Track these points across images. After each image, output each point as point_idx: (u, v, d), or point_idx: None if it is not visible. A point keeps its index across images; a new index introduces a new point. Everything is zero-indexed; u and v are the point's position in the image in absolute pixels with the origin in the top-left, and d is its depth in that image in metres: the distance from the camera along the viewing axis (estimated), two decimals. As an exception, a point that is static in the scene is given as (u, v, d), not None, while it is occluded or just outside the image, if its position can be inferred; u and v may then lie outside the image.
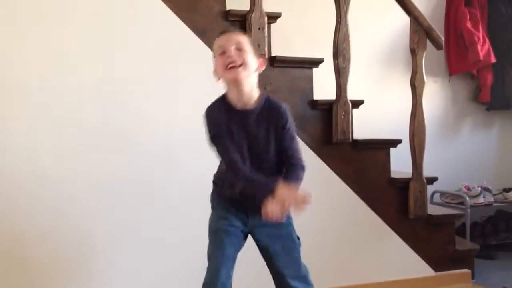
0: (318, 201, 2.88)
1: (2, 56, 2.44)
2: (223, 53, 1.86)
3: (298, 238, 2.06)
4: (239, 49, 1.86)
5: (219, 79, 1.91)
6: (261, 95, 1.95)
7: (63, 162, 2.52)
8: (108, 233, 2.58)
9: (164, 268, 2.64)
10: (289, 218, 2.02)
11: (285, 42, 3.03)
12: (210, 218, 2.04)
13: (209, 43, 2.70)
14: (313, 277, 2.03)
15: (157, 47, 2.67)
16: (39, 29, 2.50)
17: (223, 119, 1.89)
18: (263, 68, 1.96)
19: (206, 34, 2.72)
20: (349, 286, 2.95)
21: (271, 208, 1.77)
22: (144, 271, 2.63)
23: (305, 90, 2.93)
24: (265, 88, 2.81)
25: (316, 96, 2.95)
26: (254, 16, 2.78)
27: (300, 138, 2.83)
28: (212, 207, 2.06)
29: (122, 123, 2.61)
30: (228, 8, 2.80)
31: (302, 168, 1.95)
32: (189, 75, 2.69)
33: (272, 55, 2.86)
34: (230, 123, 1.90)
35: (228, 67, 1.84)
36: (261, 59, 1.95)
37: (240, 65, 1.84)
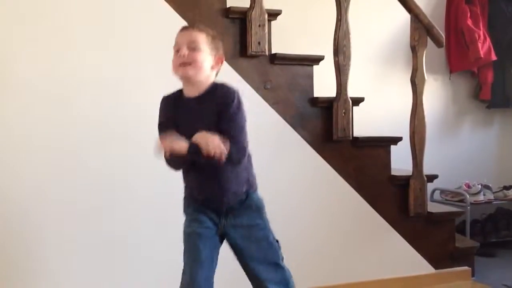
0: (318, 198, 2.93)
1: (1, 55, 2.44)
2: (177, 51, 1.89)
3: (277, 241, 2.01)
4: (192, 48, 1.87)
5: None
6: (212, 85, 1.92)
7: (62, 160, 2.52)
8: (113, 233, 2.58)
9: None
10: (264, 220, 1.99)
11: (286, 40, 3.02)
12: (184, 223, 2.00)
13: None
14: (313, 274, 2.01)
15: (157, 44, 2.67)
16: (38, 27, 2.50)
17: (171, 108, 1.93)
18: (219, 66, 1.96)
19: (206, 32, 2.72)
20: (349, 283, 2.95)
21: (202, 138, 1.74)
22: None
23: (305, 87, 2.93)
24: (265, 86, 2.81)
25: (316, 94, 2.95)
26: (254, 13, 2.77)
27: (300, 135, 2.86)
28: (184, 211, 2.02)
29: (122, 123, 2.60)
30: (228, 5, 2.80)
31: (238, 149, 1.85)
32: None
33: (273, 52, 2.86)
34: (179, 111, 1.91)
35: (178, 65, 1.87)
36: (218, 57, 1.94)
37: (190, 64, 1.86)
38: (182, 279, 1.92)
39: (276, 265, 1.98)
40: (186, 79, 1.90)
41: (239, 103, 1.88)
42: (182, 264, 1.93)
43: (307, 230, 2.89)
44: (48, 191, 2.49)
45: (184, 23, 2.67)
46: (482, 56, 4.07)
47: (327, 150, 2.95)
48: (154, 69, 2.63)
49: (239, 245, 1.96)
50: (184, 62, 1.86)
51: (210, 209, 1.95)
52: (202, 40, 1.90)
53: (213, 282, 1.93)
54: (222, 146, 1.73)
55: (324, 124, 2.94)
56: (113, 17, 2.62)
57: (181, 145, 1.76)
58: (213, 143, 1.73)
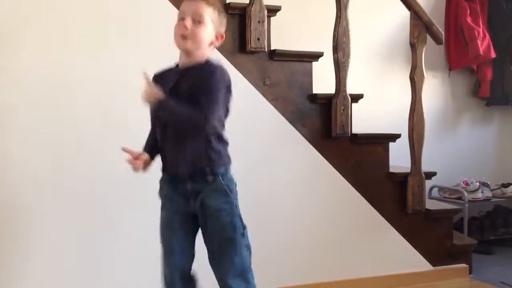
0: (316, 195, 2.93)
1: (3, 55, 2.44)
2: (181, 19, 1.86)
3: (244, 227, 1.91)
4: (196, 21, 1.85)
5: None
6: (205, 61, 1.90)
7: (61, 161, 2.52)
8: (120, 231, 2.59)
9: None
10: (231, 205, 1.89)
11: (285, 36, 3.02)
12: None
13: (209, 36, 2.70)
14: (310, 271, 1.99)
15: (156, 40, 2.66)
16: (38, 26, 2.49)
17: (159, 80, 1.90)
18: (218, 44, 1.95)
19: (205, 27, 2.71)
20: (346, 280, 2.96)
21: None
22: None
23: (304, 84, 2.93)
24: (264, 82, 2.81)
25: (316, 90, 2.95)
26: (254, 9, 2.77)
27: (299, 132, 2.86)
28: (158, 194, 1.99)
29: (123, 121, 2.59)
30: (228, 1, 2.79)
31: (200, 115, 1.78)
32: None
33: (272, 48, 2.85)
34: (166, 82, 1.89)
35: (179, 35, 1.85)
36: (220, 35, 1.93)
37: (190, 38, 1.84)
38: (162, 264, 1.94)
39: (237, 255, 1.88)
40: (184, 51, 1.89)
41: (222, 77, 1.84)
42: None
43: (305, 226, 2.90)
44: (50, 188, 2.49)
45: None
46: (481, 53, 4.06)
47: (326, 146, 2.95)
48: (155, 65, 2.62)
49: (204, 228, 1.91)
50: (185, 35, 1.84)
51: (177, 192, 1.90)
52: (208, 13, 1.87)
53: (188, 267, 1.94)
54: (155, 93, 1.75)
55: (323, 121, 2.94)
56: (113, 14, 2.61)
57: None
58: (148, 91, 1.76)
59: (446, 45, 4.15)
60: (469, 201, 3.82)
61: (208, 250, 1.91)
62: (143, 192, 2.60)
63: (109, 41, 2.60)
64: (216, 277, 1.90)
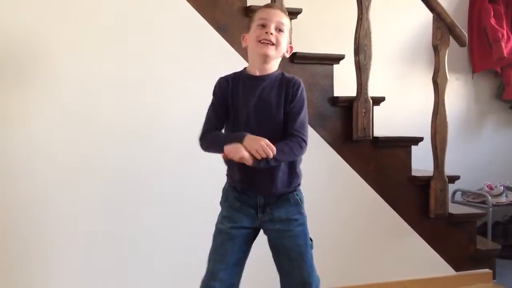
0: (337, 199, 2.91)
1: (24, 55, 2.47)
2: (263, 26, 1.88)
3: (311, 239, 1.98)
4: (279, 29, 1.89)
5: (245, 46, 1.96)
6: (278, 70, 1.96)
7: (83, 158, 2.54)
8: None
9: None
10: (302, 216, 1.96)
11: (306, 38, 3.01)
12: (218, 216, 1.98)
13: (230, 40, 2.71)
14: (333, 275, 1.99)
15: (178, 44, 2.68)
16: (57, 26, 2.51)
17: (227, 87, 1.92)
18: (289, 54, 2.00)
19: (227, 31, 2.72)
20: (369, 284, 2.94)
21: (231, 149, 1.75)
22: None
23: (325, 86, 2.91)
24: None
25: (337, 93, 2.94)
26: (274, 12, 2.76)
27: (319, 135, 2.86)
28: (220, 204, 1.99)
29: (142, 122, 2.61)
30: (248, 4, 2.79)
31: (299, 142, 1.85)
32: (210, 72, 2.67)
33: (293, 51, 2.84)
34: (239, 88, 1.91)
35: (262, 41, 1.87)
36: (291, 45, 1.98)
37: (273, 44, 1.87)
38: (206, 272, 1.91)
39: (307, 264, 1.92)
40: (265, 57, 1.89)
41: (304, 95, 1.92)
42: (207, 260, 1.92)
43: (326, 230, 2.88)
44: (69, 191, 2.52)
45: (204, 21, 2.68)
46: (505, 55, 4.02)
47: (347, 150, 2.93)
48: (175, 68, 2.64)
49: (273, 240, 1.93)
50: (269, 40, 1.87)
51: (246, 205, 1.92)
52: (287, 24, 1.93)
53: (234, 283, 1.91)
54: (268, 148, 1.74)
55: (344, 124, 2.93)
56: (137, 17, 2.62)
57: (245, 156, 1.75)
58: (261, 149, 1.74)
59: (469, 47, 4.11)
60: (493, 205, 3.77)
61: (278, 262, 1.94)
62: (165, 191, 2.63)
63: (132, 42, 2.62)
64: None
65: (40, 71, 2.48)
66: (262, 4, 2.72)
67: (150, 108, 2.62)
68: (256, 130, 1.82)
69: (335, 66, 2.96)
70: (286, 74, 1.95)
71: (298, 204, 1.95)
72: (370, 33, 2.92)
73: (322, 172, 2.90)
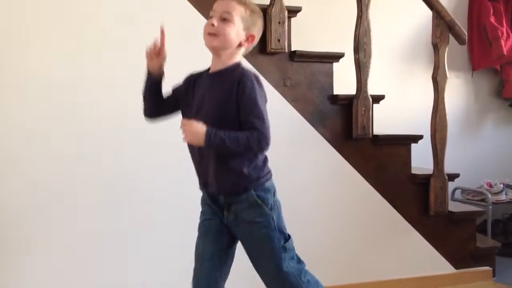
0: (337, 197, 2.91)
1: (21, 55, 2.46)
2: (210, 17, 1.83)
3: (289, 236, 1.87)
4: (224, 19, 1.80)
5: None
6: (234, 64, 1.85)
7: (81, 161, 2.53)
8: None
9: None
10: (267, 217, 1.81)
11: (305, 37, 3.02)
12: None
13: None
14: (333, 273, 1.97)
15: (177, 43, 2.66)
16: (53, 27, 2.50)
17: (188, 83, 1.91)
18: (248, 45, 1.87)
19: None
20: (369, 282, 2.94)
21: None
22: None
23: (325, 85, 2.91)
24: (284, 83, 2.80)
25: (336, 91, 2.94)
26: (274, 10, 2.76)
27: (319, 133, 2.85)
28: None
29: (142, 121, 2.59)
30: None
31: (258, 135, 1.73)
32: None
33: (292, 49, 2.84)
34: (195, 85, 1.88)
35: (207, 33, 1.81)
36: (249, 35, 1.85)
37: (216, 35, 1.80)
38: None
39: (278, 270, 1.82)
40: (210, 49, 1.84)
41: (258, 85, 1.79)
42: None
43: (326, 228, 2.88)
44: (62, 189, 2.51)
45: (203, 19, 2.67)
46: (505, 53, 4.02)
47: (347, 148, 2.93)
48: (175, 67, 2.63)
49: (242, 242, 1.87)
50: (211, 33, 1.80)
51: (213, 201, 1.87)
52: (238, 12, 1.81)
53: (219, 278, 1.87)
54: (199, 129, 1.70)
55: (344, 122, 2.93)
56: (131, 15, 2.62)
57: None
58: (190, 130, 1.71)
59: (469, 45, 4.10)
60: (493, 203, 3.77)
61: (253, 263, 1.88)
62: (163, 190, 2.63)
63: (126, 40, 2.59)
64: None
65: (39, 71, 2.47)
66: (261, 1, 2.75)
67: (139, 108, 2.60)
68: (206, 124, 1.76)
69: (335, 64, 2.96)
70: (240, 68, 1.84)
71: (258, 205, 1.80)
72: (369, 31, 2.92)
73: (321, 170, 2.90)
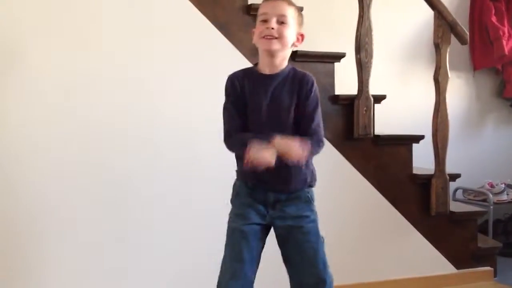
0: (338, 197, 2.91)
1: (20, 55, 2.46)
2: (264, 21, 1.85)
3: (323, 237, 1.94)
4: (281, 22, 1.84)
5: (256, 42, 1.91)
6: (288, 66, 1.93)
7: (82, 158, 2.53)
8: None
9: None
10: (313, 213, 1.93)
11: (307, 36, 2.99)
12: (229, 214, 1.94)
13: (231, 37, 2.70)
14: (334, 273, 1.97)
15: (178, 42, 2.67)
16: (59, 28, 2.50)
17: (239, 86, 1.89)
18: (298, 45, 1.94)
19: (227, 28, 2.71)
20: (369, 282, 2.94)
21: (255, 152, 1.69)
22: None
23: (326, 85, 2.91)
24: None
25: (338, 91, 2.93)
26: (275, 10, 2.76)
27: (321, 133, 2.84)
28: (231, 201, 1.96)
29: (142, 121, 2.60)
30: (249, 2, 2.78)
31: (318, 141, 1.87)
32: (210, 70, 2.67)
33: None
34: (250, 87, 1.88)
35: (265, 37, 1.83)
36: (300, 35, 1.93)
37: (276, 38, 1.83)
38: (221, 272, 1.87)
39: (320, 261, 1.89)
40: (269, 52, 1.86)
41: (317, 92, 1.90)
42: (222, 256, 1.89)
43: (326, 228, 2.86)
44: (66, 190, 2.50)
45: (205, 19, 2.67)
46: (506, 53, 4.02)
47: (348, 148, 2.93)
48: (175, 66, 2.63)
49: (285, 235, 1.90)
50: (271, 35, 1.82)
51: (257, 201, 1.89)
52: (291, 14, 1.86)
53: (253, 280, 1.87)
54: (303, 152, 1.75)
55: (345, 122, 2.92)
56: (132, 14, 2.61)
57: (267, 156, 1.70)
58: (296, 152, 1.73)
59: (470, 45, 4.11)
60: (494, 203, 3.77)
61: (287, 260, 1.91)
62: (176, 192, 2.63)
63: (128, 41, 2.60)
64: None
65: (38, 70, 2.47)
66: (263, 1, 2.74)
67: (149, 107, 2.60)
68: (269, 128, 1.81)
69: (336, 64, 2.96)
70: (298, 70, 1.92)
71: (309, 201, 1.94)
72: (371, 31, 2.92)
73: (323, 170, 2.85)
